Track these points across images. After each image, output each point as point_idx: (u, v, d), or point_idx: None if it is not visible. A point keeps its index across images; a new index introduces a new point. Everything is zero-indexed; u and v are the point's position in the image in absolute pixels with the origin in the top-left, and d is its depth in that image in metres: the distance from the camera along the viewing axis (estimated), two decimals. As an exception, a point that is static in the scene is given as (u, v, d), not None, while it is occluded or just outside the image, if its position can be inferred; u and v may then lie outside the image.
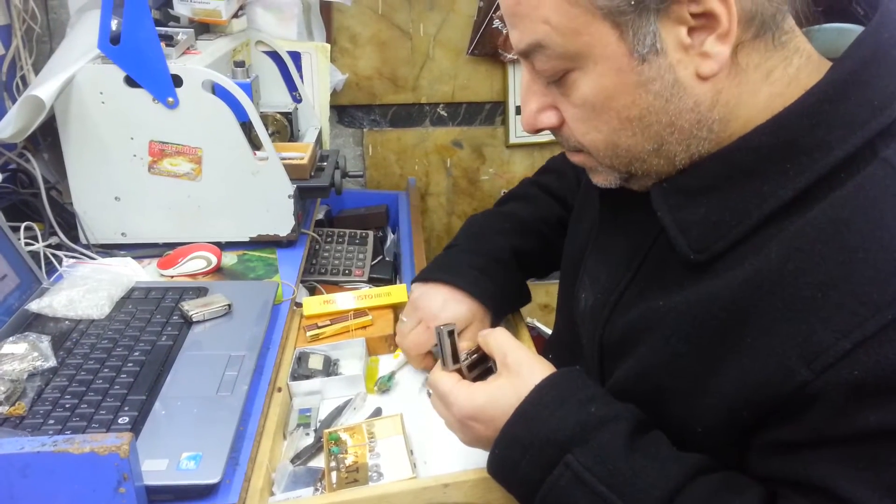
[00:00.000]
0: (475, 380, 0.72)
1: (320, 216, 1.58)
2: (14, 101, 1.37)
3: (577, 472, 0.60)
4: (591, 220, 0.80)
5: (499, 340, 0.72)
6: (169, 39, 1.15)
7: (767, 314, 0.55)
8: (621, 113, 0.60)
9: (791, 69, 0.59)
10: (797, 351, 0.53)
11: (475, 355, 0.75)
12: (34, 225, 1.13)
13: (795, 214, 0.56)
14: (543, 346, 1.07)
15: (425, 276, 0.92)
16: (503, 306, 0.95)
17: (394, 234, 1.62)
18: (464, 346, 0.81)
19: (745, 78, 0.59)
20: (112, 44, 1.07)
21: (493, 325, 0.92)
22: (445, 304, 0.88)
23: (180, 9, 1.29)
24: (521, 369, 0.68)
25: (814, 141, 0.56)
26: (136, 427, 0.74)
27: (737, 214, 0.59)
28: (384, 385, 0.91)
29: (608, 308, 0.71)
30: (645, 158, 0.62)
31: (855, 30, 0.62)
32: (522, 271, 0.96)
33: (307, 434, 0.83)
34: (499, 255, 0.94)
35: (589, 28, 0.57)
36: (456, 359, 0.73)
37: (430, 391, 0.74)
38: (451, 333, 0.73)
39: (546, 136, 1.92)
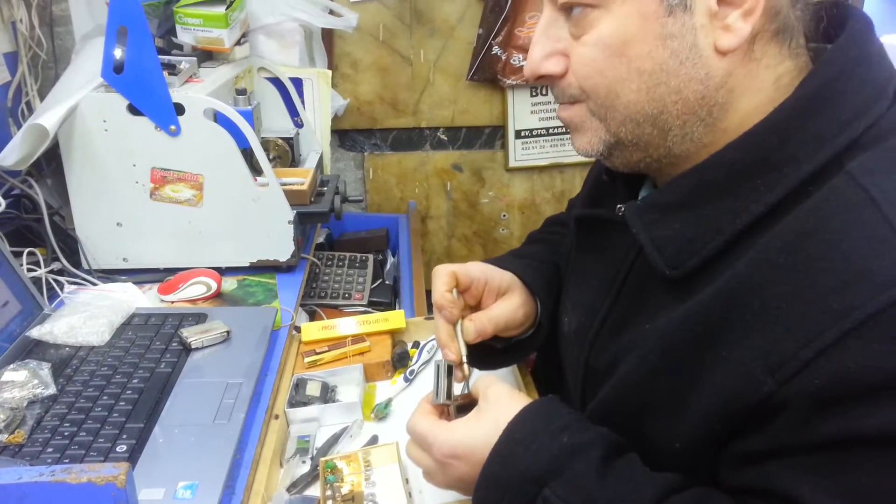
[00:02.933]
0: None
1: (321, 239, 1.59)
2: (19, 126, 1.39)
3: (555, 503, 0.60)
4: (567, 243, 0.81)
5: (485, 377, 0.72)
6: (172, 68, 1.17)
7: (738, 326, 0.56)
8: (633, 62, 0.60)
9: (796, 81, 0.61)
10: (762, 361, 0.53)
11: (467, 400, 0.74)
12: (36, 251, 1.14)
13: (766, 229, 0.57)
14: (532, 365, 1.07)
15: None
16: (539, 280, 0.87)
17: (394, 257, 1.63)
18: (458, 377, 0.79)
19: (755, 69, 0.60)
20: (115, 73, 1.09)
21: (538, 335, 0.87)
22: (507, 283, 0.83)
23: (183, 37, 1.31)
24: (500, 401, 0.68)
25: (783, 157, 0.57)
26: (133, 455, 0.75)
27: (710, 230, 0.60)
28: (381, 412, 0.92)
29: (593, 332, 0.72)
30: (640, 122, 0.62)
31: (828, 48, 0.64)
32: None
33: (303, 462, 0.84)
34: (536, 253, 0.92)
35: None
36: (448, 395, 0.73)
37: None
38: (449, 370, 0.74)
39: (545, 160, 1.93)
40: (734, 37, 0.58)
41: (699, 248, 0.60)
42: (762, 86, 0.60)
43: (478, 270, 0.82)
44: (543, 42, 0.64)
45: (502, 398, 0.68)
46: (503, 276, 0.83)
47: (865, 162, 0.55)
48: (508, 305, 0.82)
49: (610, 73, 0.61)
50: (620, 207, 0.70)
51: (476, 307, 0.83)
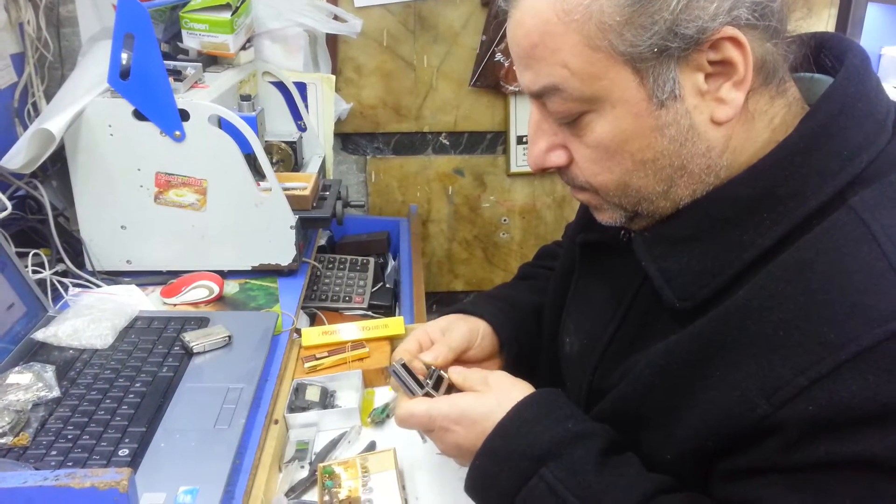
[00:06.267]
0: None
1: (322, 242, 1.61)
2: (26, 127, 1.40)
3: (551, 483, 0.63)
4: (570, 262, 0.82)
5: (475, 370, 0.75)
6: (177, 74, 1.18)
7: (735, 349, 0.57)
8: (635, 155, 0.61)
9: (789, 116, 0.62)
10: (758, 385, 0.55)
11: (434, 377, 0.76)
12: (41, 252, 1.16)
13: (771, 260, 0.58)
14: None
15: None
16: (508, 326, 0.90)
17: (395, 260, 1.65)
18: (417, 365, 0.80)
19: (753, 124, 0.61)
20: (122, 78, 1.10)
21: (504, 354, 0.89)
22: (447, 321, 0.87)
23: (189, 42, 1.32)
24: (502, 384, 0.71)
25: (788, 191, 0.59)
26: (135, 460, 0.76)
27: (718, 263, 0.61)
28: (378, 417, 0.93)
29: (596, 355, 0.73)
30: (653, 199, 0.64)
31: (825, 80, 0.65)
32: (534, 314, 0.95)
33: (302, 466, 0.85)
34: (512, 295, 0.95)
35: (609, 73, 0.58)
36: (420, 384, 0.75)
37: (422, 435, 0.76)
38: (404, 366, 0.75)
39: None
40: (730, 107, 0.59)
41: (708, 280, 0.61)
42: (760, 135, 0.62)
43: (413, 335, 0.84)
44: (541, 137, 0.66)
45: (504, 381, 0.71)
46: (437, 322, 0.86)
47: (867, 196, 0.56)
48: (453, 329, 0.84)
49: (616, 169, 0.63)
50: (625, 233, 0.71)
51: None
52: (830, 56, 0.65)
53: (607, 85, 0.59)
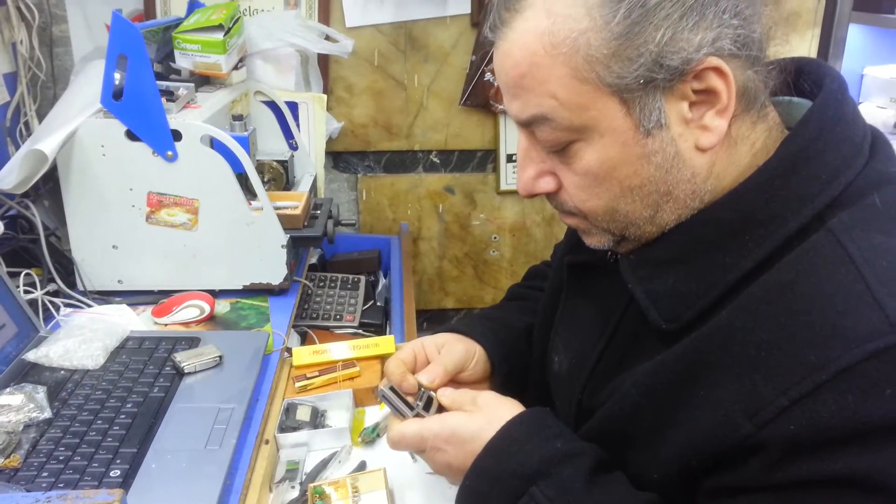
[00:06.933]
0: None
1: (313, 260, 1.61)
2: (17, 146, 1.41)
3: (541, 502, 0.64)
4: (559, 282, 0.84)
5: (464, 391, 0.76)
6: (170, 94, 1.19)
7: (719, 369, 0.59)
8: (623, 182, 0.63)
9: (770, 140, 0.64)
10: (741, 405, 0.56)
11: (424, 398, 0.77)
12: (32, 272, 1.16)
13: (753, 281, 0.60)
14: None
15: None
16: (501, 348, 0.91)
17: (385, 278, 1.65)
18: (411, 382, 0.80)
19: (735, 149, 0.63)
20: (115, 99, 1.11)
21: (496, 375, 0.90)
22: (443, 339, 0.88)
23: (182, 62, 1.34)
24: (491, 403, 0.72)
25: (769, 214, 0.60)
26: (127, 481, 0.77)
27: (703, 285, 0.63)
28: (368, 436, 0.93)
29: (585, 374, 0.75)
30: (640, 224, 0.66)
31: (804, 103, 0.67)
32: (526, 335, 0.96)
33: (293, 487, 0.86)
34: (504, 316, 0.96)
35: (596, 103, 0.60)
36: (409, 406, 0.75)
37: (413, 455, 0.76)
38: (392, 389, 0.76)
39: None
40: (713, 135, 0.61)
41: (693, 301, 0.63)
42: (742, 159, 0.63)
43: (410, 345, 0.86)
44: (530, 164, 0.67)
45: (493, 400, 0.72)
46: (434, 338, 0.87)
47: (845, 219, 0.58)
48: (449, 349, 0.85)
49: (604, 195, 0.64)
50: (612, 255, 0.73)
51: None
52: (809, 81, 0.67)
53: (595, 115, 0.60)
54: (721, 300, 0.62)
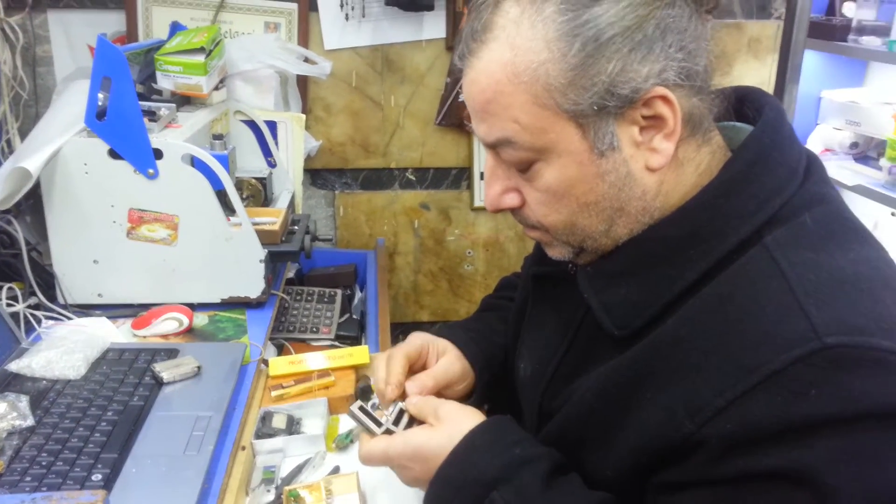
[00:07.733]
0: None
1: (291, 274, 1.65)
2: (0, 164, 1.44)
3: None
4: (527, 292, 0.89)
5: (428, 400, 0.80)
6: (152, 114, 1.23)
7: (664, 373, 0.64)
8: (580, 199, 0.69)
9: (714, 162, 0.70)
10: (684, 406, 0.61)
11: (395, 411, 0.80)
12: (14, 286, 1.19)
13: (696, 291, 0.66)
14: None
15: None
16: (481, 358, 0.95)
17: (361, 292, 1.69)
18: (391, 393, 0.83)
19: (682, 170, 0.69)
20: (98, 119, 1.15)
21: (477, 383, 0.93)
22: (445, 352, 0.91)
23: (163, 83, 1.38)
24: (453, 417, 0.76)
25: (711, 230, 0.66)
26: (108, 484, 0.80)
27: (651, 295, 0.68)
28: (342, 442, 0.97)
29: (546, 379, 0.80)
30: (596, 237, 0.71)
31: (746, 128, 0.73)
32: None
33: (268, 491, 0.89)
34: (484, 328, 0.99)
35: (555, 127, 0.66)
36: (378, 423, 0.79)
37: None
38: (361, 408, 0.80)
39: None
40: (661, 156, 0.66)
41: (642, 310, 0.68)
42: (688, 179, 0.69)
43: (420, 339, 0.90)
44: (496, 181, 0.73)
45: (455, 413, 0.76)
46: (439, 341, 0.92)
47: (779, 236, 0.64)
48: (444, 361, 0.90)
49: (563, 210, 0.70)
50: (572, 266, 0.78)
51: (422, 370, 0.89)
52: (752, 108, 0.74)
53: (554, 138, 0.66)
54: (668, 309, 0.67)
